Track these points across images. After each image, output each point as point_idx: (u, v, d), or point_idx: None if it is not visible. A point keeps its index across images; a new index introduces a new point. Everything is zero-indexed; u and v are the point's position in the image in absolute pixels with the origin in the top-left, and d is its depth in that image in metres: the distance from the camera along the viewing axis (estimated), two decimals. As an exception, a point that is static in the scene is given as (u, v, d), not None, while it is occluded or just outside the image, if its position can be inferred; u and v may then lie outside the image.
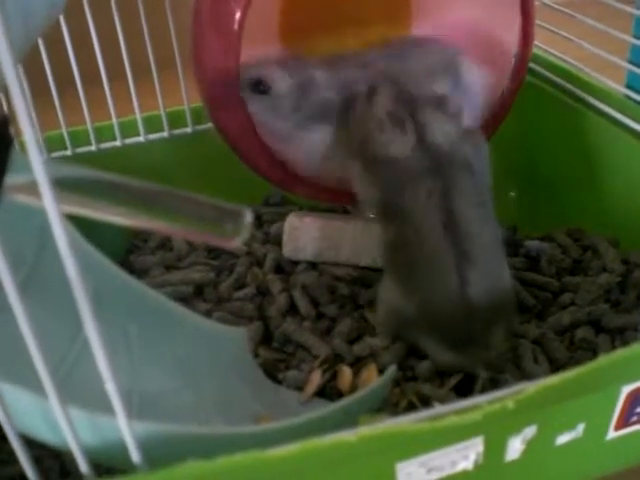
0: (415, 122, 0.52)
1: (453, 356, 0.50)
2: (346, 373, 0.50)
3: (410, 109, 0.52)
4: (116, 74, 0.65)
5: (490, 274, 0.49)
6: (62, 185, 0.26)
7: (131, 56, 0.65)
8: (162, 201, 0.30)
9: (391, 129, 0.52)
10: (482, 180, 0.52)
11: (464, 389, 0.50)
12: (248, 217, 0.31)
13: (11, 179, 0.28)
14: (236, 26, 0.52)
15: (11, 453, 0.31)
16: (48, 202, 0.24)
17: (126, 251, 0.65)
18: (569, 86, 0.68)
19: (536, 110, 0.71)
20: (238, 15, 0.52)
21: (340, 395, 0.50)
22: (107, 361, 0.27)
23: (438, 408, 0.33)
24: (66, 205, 0.29)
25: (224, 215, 0.31)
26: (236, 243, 0.31)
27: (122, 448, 0.31)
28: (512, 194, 0.76)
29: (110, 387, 0.28)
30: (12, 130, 0.28)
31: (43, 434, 0.34)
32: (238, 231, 0.31)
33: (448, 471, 0.36)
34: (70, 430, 0.30)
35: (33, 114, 0.64)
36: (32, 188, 0.27)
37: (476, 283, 0.48)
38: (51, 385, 0.28)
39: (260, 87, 0.55)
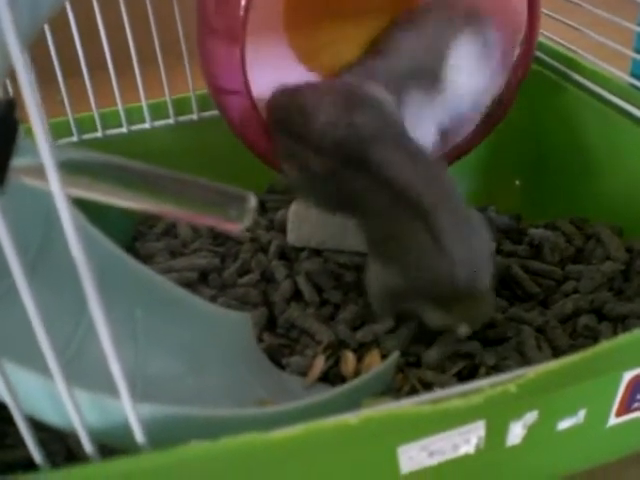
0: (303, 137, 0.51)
1: (449, 317, 0.50)
2: (349, 358, 0.51)
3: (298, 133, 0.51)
4: (122, 61, 0.65)
5: (460, 223, 0.49)
6: (68, 168, 0.26)
7: (137, 43, 0.65)
8: (168, 185, 0.31)
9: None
10: (403, 138, 0.51)
11: (467, 376, 0.50)
12: (252, 202, 0.31)
13: (18, 162, 0.28)
14: (242, 12, 0.52)
15: (18, 438, 0.32)
16: (54, 185, 0.24)
17: (132, 237, 0.66)
18: (574, 74, 0.68)
19: (541, 98, 0.71)
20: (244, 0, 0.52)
21: (343, 381, 0.50)
22: (112, 343, 0.28)
23: (440, 391, 0.34)
24: (72, 188, 0.29)
25: (229, 199, 0.31)
26: (240, 227, 0.31)
27: (127, 429, 0.31)
28: (517, 182, 0.76)
29: (114, 368, 0.28)
30: (18, 113, 0.29)
31: (49, 416, 0.34)
32: (242, 216, 0.31)
33: (449, 455, 0.36)
34: (75, 411, 0.30)
35: (39, 100, 0.64)
36: (39, 171, 0.28)
37: (451, 237, 0.47)
38: (57, 367, 0.28)
39: None
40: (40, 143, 0.23)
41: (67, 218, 0.25)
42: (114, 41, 0.65)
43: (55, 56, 0.64)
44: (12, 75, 0.37)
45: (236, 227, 0.31)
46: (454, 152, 0.64)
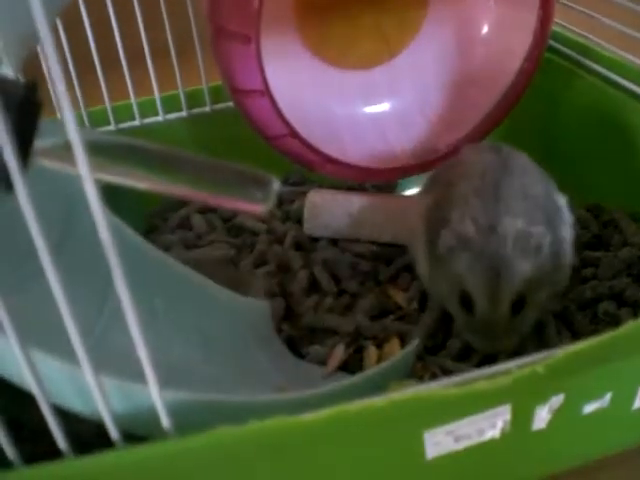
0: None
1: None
2: (372, 352, 0.50)
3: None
4: (134, 55, 0.65)
5: None
6: (90, 150, 0.26)
7: (149, 36, 0.65)
8: (190, 167, 0.30)
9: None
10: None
11: (486, 363, 0.50)
12: (275, 185, 0.31)
13: (40, 144, 0.28)
14: (255, 5, 0.52)
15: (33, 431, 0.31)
16: (82, 166, 0.24)
17: (146, 230, 0.66)
18: (588, 61, 0.67)
19: (555, 86, 0.70)
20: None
21: (363, 370, 0.50)
22: (139, 327, 0.27)
23: (468, 374, 0.33)
24: (95, 171, 0.29)
25: (252, 181, 0.31)
26: (264, 209, 0.31)
27: (152, 415, 0.31)
28: (531, 172, 0.75)
29: (142, 354, 0.28)
30: (40, 95, 0.28)
31: (73, 402, 0.34)
32: (265, 198, 0.31)
33: (475, 439, 0.36)
34: (102, 398, 0.30)
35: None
36: (60, 153, 0.28)
37: None
38: (84, 353, 0.28)
39: None
40: (67, 122, 0.23)
41: (94, 198, 0.24)
42: (126, 35, 0.65)
43: (68, 51, 0.64)
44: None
45: (260, 209, 0.31)
46: (466, 140, 0.64)
